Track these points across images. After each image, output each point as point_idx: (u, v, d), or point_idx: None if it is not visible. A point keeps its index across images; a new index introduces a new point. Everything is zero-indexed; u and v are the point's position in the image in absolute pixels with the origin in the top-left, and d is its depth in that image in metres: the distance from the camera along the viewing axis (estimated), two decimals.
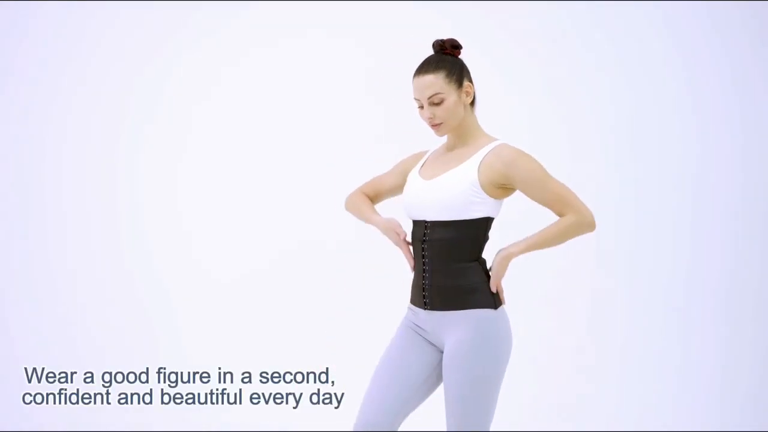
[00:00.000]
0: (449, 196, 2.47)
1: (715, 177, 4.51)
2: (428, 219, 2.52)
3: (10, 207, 4.50)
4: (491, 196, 2.49)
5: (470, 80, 2.56)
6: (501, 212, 2.59)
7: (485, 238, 2.54)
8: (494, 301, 2.50)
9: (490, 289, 2.51)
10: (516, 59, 4.54)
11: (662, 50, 4.54)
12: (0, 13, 4.48)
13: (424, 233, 2.52)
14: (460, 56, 2.58)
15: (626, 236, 4.50)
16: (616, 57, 4.55)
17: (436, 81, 2.48)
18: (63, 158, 4.55)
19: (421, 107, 2.53)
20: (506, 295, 2.58)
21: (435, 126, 2.53)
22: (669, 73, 4.53)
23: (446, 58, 2.54)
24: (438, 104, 2.49)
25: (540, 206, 2.54)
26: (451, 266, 2.49)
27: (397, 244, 2.62)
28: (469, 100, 2.55)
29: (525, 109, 4.50)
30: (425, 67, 2.52)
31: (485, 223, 2.51)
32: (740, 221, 4.50)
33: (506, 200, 2.58)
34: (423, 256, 2.53)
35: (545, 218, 2.58)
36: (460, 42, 2.60)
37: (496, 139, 2.57)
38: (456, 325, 2.48)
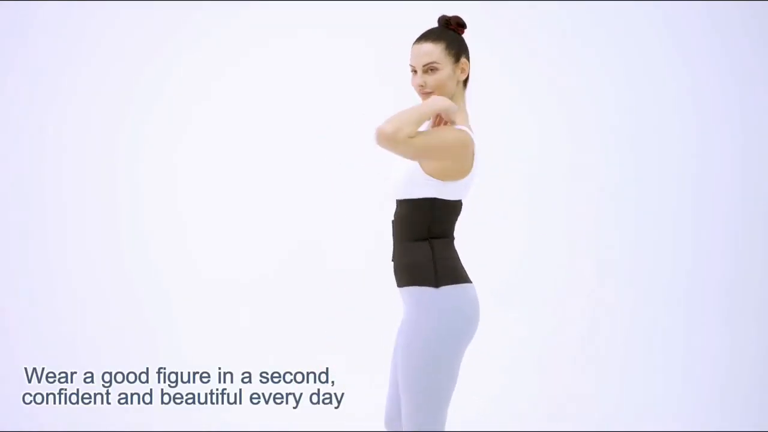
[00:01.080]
0: (398, 175, 2.51)
1: (715, 177, 4.51)
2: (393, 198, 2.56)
3: (10, 207, 4.50)
4: (434, 176, 2.45)
5: (468, 59, 2.55)
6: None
7: (434, 219, 2.48)
8: (435, 279, 2.45)
9: (434, 267, 2.45)
10: (517, 59, 4.54)
11: (662, 50, 4.54)
12: (0, 13, 4.48)
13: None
14: (462, 35, 2.58)
15: (626, 236, 4.49)
16: (616, 57, 4.55)
17: (435, 50, 2.50)
18: (63, 158, 4.55)
19: (415, 72, 2.54)
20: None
21: (424, 94, 2.53)
22: (669, 73, 4.53)
23: (449, 32, 2.55)
24: (432, 73, 2.50)
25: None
26: (402, 244, 2.51)
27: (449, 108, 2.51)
28: (464, 77, 2.55)
29: (525, 109, 4.50)
30: (426, 36, 2.53)
31: (430, 203, 2.46)
32: (740, 221, 4.49)
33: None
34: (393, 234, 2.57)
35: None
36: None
37: (460, 126, 2.49)
38: (405, 303, 2.51)
